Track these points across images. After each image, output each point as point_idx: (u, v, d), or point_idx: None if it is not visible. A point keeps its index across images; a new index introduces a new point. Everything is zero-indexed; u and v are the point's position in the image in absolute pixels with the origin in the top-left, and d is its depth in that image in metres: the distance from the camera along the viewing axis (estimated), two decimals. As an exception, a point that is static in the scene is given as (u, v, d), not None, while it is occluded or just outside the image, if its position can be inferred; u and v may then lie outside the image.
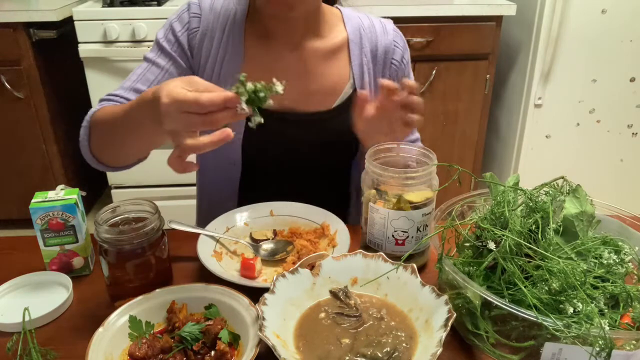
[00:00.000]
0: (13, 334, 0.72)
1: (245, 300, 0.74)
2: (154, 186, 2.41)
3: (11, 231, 2.41)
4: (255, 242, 0.94)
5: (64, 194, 0.84)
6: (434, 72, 2.30)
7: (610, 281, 0.69)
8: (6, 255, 0.94)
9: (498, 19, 2.25)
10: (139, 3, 2.18)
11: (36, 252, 0.86)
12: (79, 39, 2.14)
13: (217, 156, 1.09)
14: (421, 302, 0.74)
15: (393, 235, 0.85)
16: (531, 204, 0.74)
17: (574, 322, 0.61)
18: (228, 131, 0.69)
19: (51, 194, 0.84)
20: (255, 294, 0.73)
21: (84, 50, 2.14)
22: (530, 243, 0.69)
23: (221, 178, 1.12)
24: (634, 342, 0.63)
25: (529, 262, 0.68)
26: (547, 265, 0.66)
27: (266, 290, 0.73)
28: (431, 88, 2.33)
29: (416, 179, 0.82)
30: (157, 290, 0.76)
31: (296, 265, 0.78)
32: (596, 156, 2.46)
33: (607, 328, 0.59)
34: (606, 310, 0.67)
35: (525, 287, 0.66)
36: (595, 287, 0.68)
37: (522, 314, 0.62)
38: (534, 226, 0.71)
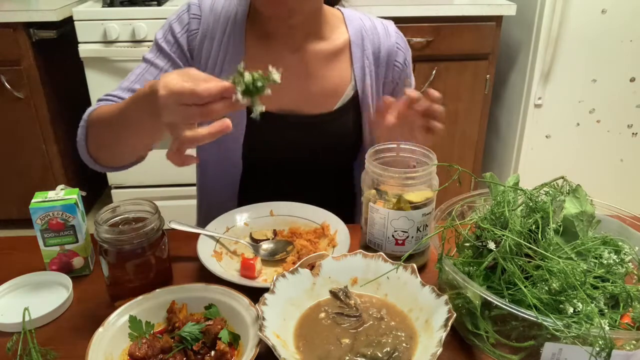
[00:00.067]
0: (13, 334, 0.72)
1: (245, 300, 0.74)
2: (154, 186, 2.41)
3: (11, 231, 2.41)
4: (255, 242, 0.94)
5: (64, 194, 0.84)
6: (434, 72, 2.30)
7: (610, 281, 0.69)
8: (6, 255, 0.94)
9: (498, 19, 2.25)
10: (139, 3, 2.18)
11: (36, 252, 0.86)
12: (79, 39, 2.14)
13: (218, 158, 1.09)
14: (421, 302, 0.74)
15: (393, 235, 0.85)
16: (531, 204, 0.74)
17: (574, 322, 0.61)
18: (227, 122, 0.68)
19: (51, 194, 0.84)
20: (255, 294, 0.73)
21: (84, 50, 2.14)
22: (530, 243, 0.69)
23: (221, 179, 1.12)
24: (634, 342, 0.63)
25: (529, 262, 0.68)
26: (547, 265, 0.66)
27: (266, 290, 0.73)
28: (431, 88, 2.33)
29: (416, 179, 0.82)
30: (157, 290, 0.76)
31: (296, 265, 0.78)
32: (596, 156, 2.46)
33: (607, 328, 0.59)
34: (606, 310, 0.67)
35: (525, 287, 0.66)
36: (595, 287, 0.68)
37: (522, 314, 0.62)
38: (534, 226, 0.71)
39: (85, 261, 0.88)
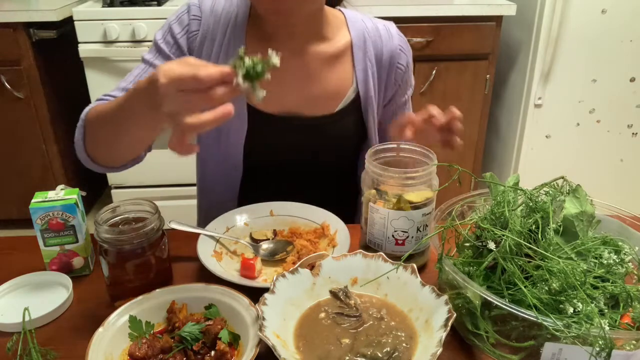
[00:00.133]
0: (13, 334, 0.72)
1: (245, 300, 0.74)
2: (154, 186, 2.41)
3: (11, 231, 2.41)
4: (255, 242, 0.94)
5: (64, 194, 0.84)
6: (434, 72, 2.30)
7: (610, 281, 0.69)
8: (6, 255, 0.94)
9: (498, 19, 2.25)
10: (139, 3, 2.18)
11: (36, 252, 0.86)
12: (79, 39, 2.14)
13: (218, 159, 1.09)
14: (421, 302, 0.74)
15: (393, 235, 0.85)
16: (531, 204, 0.74)
17: (574, 322, 0.61)
18: (229, 107, 0.67)
19: (51, 194, 0.84)
20: (255, 294, 0.73)
21: (84, 50, 2.14)
22: (530, 243, 0.69)
23: (222, 181, 1.11)
24: (634, 342, 0.63)
25: (529, 262, 0.68)
26: (547, 265, 0.66)
27: (266, 290, 0.73)
28: (431, 88, 2.34)
29: (416, 179, 0.82)
30: (157, 290, 0.76)
31: (296, 265, 0.78)
32: (596, 156, 2.46)
33: (607, 328, 0.59)
34: (606, 310, 0.67)
35: (525, 287, 0.66)
36: (595, 287, 0.68)
37: (522, 314, 0.62)
38: (534, 226, 0.71)
39: (85, 261, 0.88)
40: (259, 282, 0.84)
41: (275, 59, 0.68)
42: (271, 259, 0.91)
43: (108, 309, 0.73)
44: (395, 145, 0.91)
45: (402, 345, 0.70)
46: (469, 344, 0.73)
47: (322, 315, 0.75)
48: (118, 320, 0.72)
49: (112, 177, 2.39)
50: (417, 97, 2.33)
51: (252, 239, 0.95)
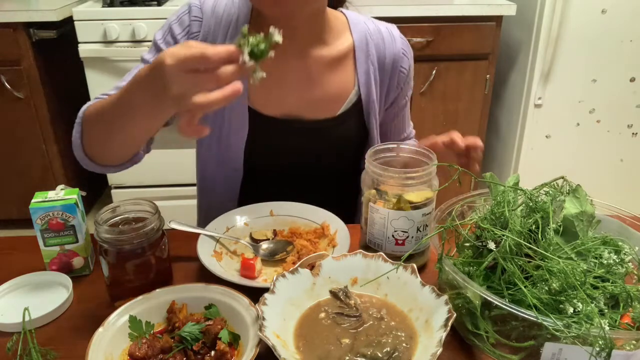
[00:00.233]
0: (13, 334, 0.72)
1: (245, 300, 0.74)
2: (154, 186, 2.41)
3: (11, 231, 2.41)
4: (255, 242, 0.94)
5: (64, 194, 0.84)
6: (434, 72, 2.30)
7: (610, 281, 0.69)
8: (6, 255, 0.94)
9: (498, 19, 2.25)
10: (139, 3, 2.18)
11: (36, 252, 0.86)
12: (79, 39, 2.14)
13: (218, 162, 1.09)
14: (421, 302, 0.74)
15: (393, 235, 0.85)
16: (531, 204, 0.74)
17: (574, 322, 0.61)
18: (238, 84, 0.67)
19: (51, 194, 0.84)
20: (255, 294, 0.73)
21: (84, 50, 2.14)
22: (530, 243, 0.69)
23: (222, 183, 1.11)
24: (634, 342, 0.63)
25: (529, 262, 0.68)
26: (547, 265, 0.66)
27: (266, 290, 0.73)
28: (431, 88, 2.34)
29: (416, 179, 0.82)
30: (157, 290, 0.76)
31: (296, 265, 0.78)
32: (596, 156, 2.46)
33: (607, 328, 0.59)
34: (606, 310, 0.67)
35: (525, 287, 0.66)
36: (595, 287, 0.68)
37: (522, 314, 0.62)
38: (534, 226, 0.71)
39: (85, 261, 0.88)
40: (259, 282, 0.84)
41: (277, 37, 0.69)
42: (271, 259, 0.91)
43: (108, 309, 0.73)
44: (395, 145, 0.91)
45: (402, 345, 0.70)
46: (469, 344, 0.73)
47: (322, 315, 0.75)
48: (118, 320, 0.72)
49: (112, 177, 2.39)
50: (417, 97, 2.33)
51: (252, 239, 0.95)
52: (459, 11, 2.21)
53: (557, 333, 0.60)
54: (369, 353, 0.68)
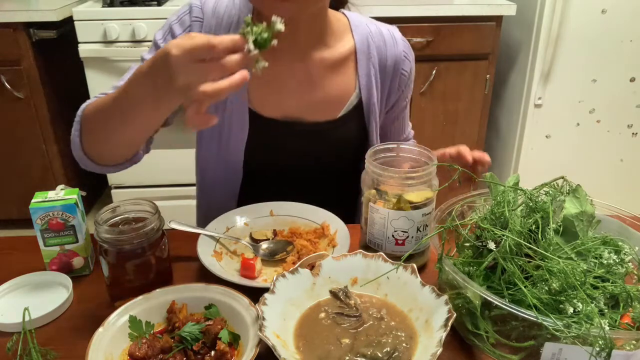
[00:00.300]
0: (13, 334, 0.72)
1: (245, 300, 0.74)
2: (154, 186, 2.41)
3: (11, 231, 2.41)
4: (255, 242, 0.94)
5: (64, 194, 0.84)
6: (434, 72, 2.30)
7: (610, 281, 0.69)
8: (6, 255, 0.94)
9: (498, 19, 2.25)
10: (139, 3, 2.18)
11: (36, 252, 0.86)
12: (79, 39, 2.14)
13: (218, 163, 1.09)
14: (421, 302, 0.74)
15: (393, 235, 0.85)
16: (531, 204, 0.74)
17: (574, 322, 0.61)
18: (245, 72, 0.67)
19: (51, 194, 0.84)
20: (255, 294, 0.73)
21: (84, 50, 2.14)
22: (530, 243, 0.69)
23: (221, 184, 1.11)
24: (634, 342, 0.63)
25: (529, 262, 0.68)
26: (547, 265, 0.66)
27: (266, 290, 0.73)
28: (431, 88, 2.34)
29: (416, 179, 0.82)
30: (157, 290, 0.76)
31: (296, 265, 0.78)
32: (596, 156, 2.46)
33: (607, 328, 0.59)
34: (606, 310, 0.67)
35: (525, 287, 0.66)
36: (595, 287, 0.68)
37: (522, 314, 0.62)
38: (534, 226, 0.71)
39: (85, 261, 0.88)
40: (259, 282, 0.84)
41: (279, 25, 0.69)
42: (271, 259, 0.91)
43: (108, 309, 0.73)
44: (395, 145, 0.91)
45: (402, 345, 0.70)
46: (469, 344, 0.73)
47: (322, 315, 0.75)
48: (118, 320, 0.72)
49: (112, 177, 2.39)
50: (417, 97, 2.33)
51: (252, 239, 0.95)
52: (459, 11, 2.21)
53: (557, 333, 0.60)
54: (369, 353, 0.68)
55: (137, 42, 2.16)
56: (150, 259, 0.79)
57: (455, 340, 0.74)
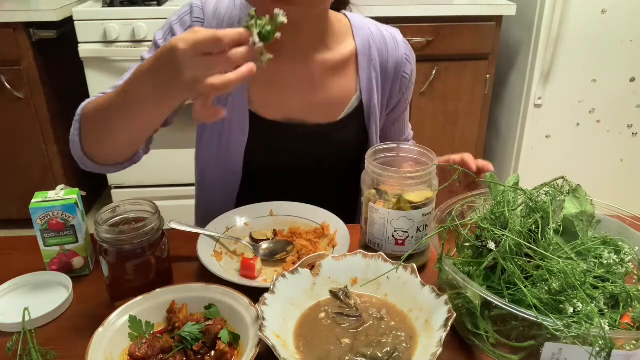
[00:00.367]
0: (13, 334, 0.72)
1: (245, 300, 0.74)
2: (154, 186, 2.41)
3: (11, 231, 2.41)
4: (255, 242, 0.94)
5: (64, 194, 0.84)
6: (434, 72, 2.30)
7: (610, 281, 0.69)
8: (6, 255, 0.94)
9: (498, 19, 2.25)
10: (139, 3, 2.18)
11: (36, 252, 0.86)
12: (79, 39, 2.14)
13: (218, 164, 1.09)
14: (421, 302, 0.74)
15: (393, 235, 0.85)
16: (531, 204, 0.74)
17: (574, 322, 0.61)
18: (252, 65, 0.67)
19: (51, 194, 0.84)
20: (255, 294, 0.73)
21: (84, 50, 2.14)
22: (530, 243, 0.69)
23: (221, 185, 1.11)
24: (634, 342, 0.63)
25: (529, 262, 0.68)
26: (547, 265, 0.66)
27: (266, 290, 0.73)
28: (431, 88, 2.34)
29: (416, 179, 0.82)
30: (157, 290, 0.76)
31: (296, 265, 0.78)
32: (596, 156, 2.46)
33: (607, 328, 0.59)
34: (606, 310, 0.67)
35: (525, 287, 0.66)
36: (595, 287, 0.68)
37: (522, 314, 0.62)
38: (534, 226, 0.71)
39: (85, 261, 0.88)
40: (259, 282, 0.84)
41: (282, 18, 0.69)
42: (271, 259, 0.91)
43: (108, 309, 0.73)
44: (395, 145, 0.91)
45: (402, 345, 0.70)
46: (469, 344, 0.73)
47: (322, 315, 0.75)
48: (118, 320, 0.72)
49: (112, 177, 2.39)
50: (417, 97, 2.33)
51: (252, 239, 0.95)
52: (459, 11, 2.21)
53: (557, 333, 0.60)
54: (369, 353, 0.68)
55: (137, 42, 2.16)
56: (150, 259, 0.79)
57: (455, 340, 0.74)
